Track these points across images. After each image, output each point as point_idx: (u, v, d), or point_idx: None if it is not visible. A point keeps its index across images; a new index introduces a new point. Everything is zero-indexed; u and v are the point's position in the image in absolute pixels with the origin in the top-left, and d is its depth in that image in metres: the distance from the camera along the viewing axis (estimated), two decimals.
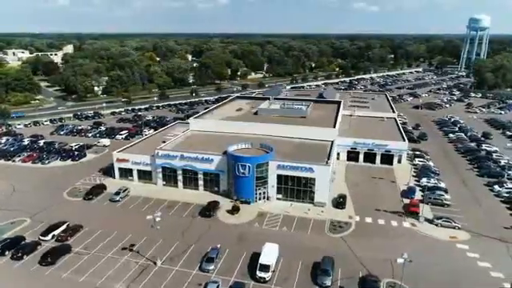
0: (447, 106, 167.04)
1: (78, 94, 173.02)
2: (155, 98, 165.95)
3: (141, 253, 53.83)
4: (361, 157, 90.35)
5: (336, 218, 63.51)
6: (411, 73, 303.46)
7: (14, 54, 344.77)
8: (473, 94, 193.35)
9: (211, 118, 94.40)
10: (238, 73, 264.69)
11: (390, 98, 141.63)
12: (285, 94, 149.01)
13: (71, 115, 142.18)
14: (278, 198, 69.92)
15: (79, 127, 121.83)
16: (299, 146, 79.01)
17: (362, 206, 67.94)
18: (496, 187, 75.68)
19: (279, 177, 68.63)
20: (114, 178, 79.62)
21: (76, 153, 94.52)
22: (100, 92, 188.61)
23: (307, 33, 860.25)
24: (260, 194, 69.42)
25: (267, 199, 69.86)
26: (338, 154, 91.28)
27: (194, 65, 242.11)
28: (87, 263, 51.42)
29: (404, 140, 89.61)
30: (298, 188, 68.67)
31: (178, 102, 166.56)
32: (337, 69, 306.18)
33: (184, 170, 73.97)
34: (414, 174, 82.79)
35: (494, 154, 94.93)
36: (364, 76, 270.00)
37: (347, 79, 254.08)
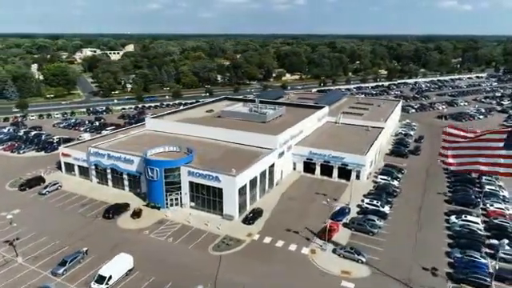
0: (481, 117, 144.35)
1: (103, 90, 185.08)
2: (166, 96, 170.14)
3: (17, 248, 54.58)
4: (317, 169, 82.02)
5: (231, 234, 58.03)
6: (470, 78, 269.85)
7: (86, 52, 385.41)
8: None
9: (169, 118, 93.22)
10: (274, 74, 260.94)
11: (400, 106, 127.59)
12: (286, 97, 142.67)
13: (84, 109, 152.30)
14: (191, 206, 66.29)
15: (77, 121, 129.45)
16: (233, 153, 74.05)
17: (274, 224, 61.40)
18: (452, 218, 62.88)
19: (191, 184, 65.00)
20: (62, 171, 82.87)
21: (53, 145, 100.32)
22: (129, 89, 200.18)
23: (382, 34, 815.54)
24: (173, 200, 66.54)
25: (181, 206, 66.72)
26: (295, 164, 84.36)
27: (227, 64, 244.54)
28: None
29: (363, 153, 79.08)
30: (208, 197, 64.40)
31: (189, 102, 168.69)
32: (384, 71, 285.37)
33: (112, 169, 74.01)
34: (366, 193, 72.97)
35: (484, 178, 79.27)
36: (408, 80, 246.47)
37: (386, 83, 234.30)
